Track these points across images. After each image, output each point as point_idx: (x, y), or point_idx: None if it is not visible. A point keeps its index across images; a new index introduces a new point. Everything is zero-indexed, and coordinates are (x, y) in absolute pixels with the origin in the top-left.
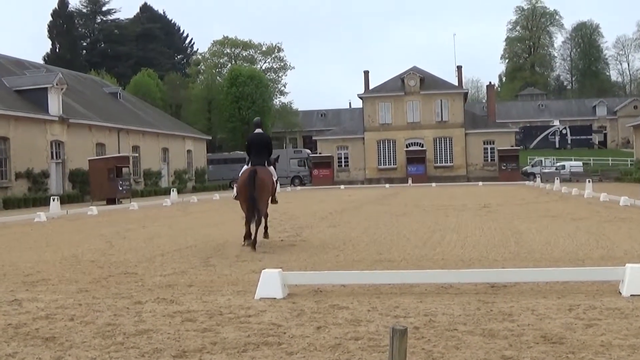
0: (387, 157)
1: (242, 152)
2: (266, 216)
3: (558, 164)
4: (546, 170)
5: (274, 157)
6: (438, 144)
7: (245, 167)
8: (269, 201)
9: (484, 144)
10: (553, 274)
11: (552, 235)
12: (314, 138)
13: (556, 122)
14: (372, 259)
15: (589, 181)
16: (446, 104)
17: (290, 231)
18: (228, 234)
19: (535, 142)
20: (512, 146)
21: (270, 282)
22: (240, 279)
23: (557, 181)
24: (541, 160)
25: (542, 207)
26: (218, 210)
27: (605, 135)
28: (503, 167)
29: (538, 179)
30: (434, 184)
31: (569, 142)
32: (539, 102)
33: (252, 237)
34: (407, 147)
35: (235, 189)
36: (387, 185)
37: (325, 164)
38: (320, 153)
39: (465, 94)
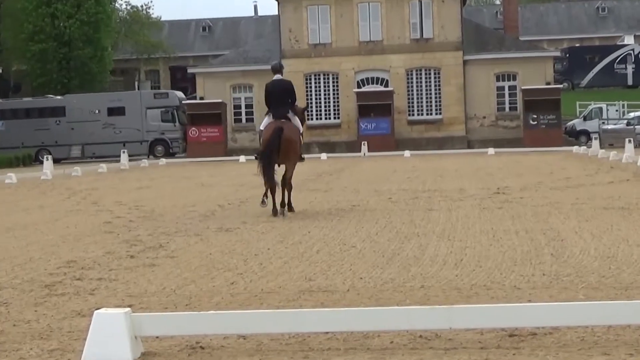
0: (323, 105)
1: (59, 97)
2: (290, 188)
3: (631, 115)
4: (609, 127)
5: (303, 107)
6: (415, 81)
7: (266, 119)
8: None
9: (498, 79)
10: (620, 313)
11: (618, 243)
12: (190, 71)
13: (628, 40)
14: (296, 287)
15: None
16: (429, 8)
17: (147, 240)
18: (34, 245)
19: (590, 75)
20: (548, 83)
21: (110, 332)
22: (55, 327)
23: (629, 145)
24: (600, 109)
25: (601, 193)
26: (16, 202)
27: None
28: (532, 122)
29: (595, 142)
30: (407, 153)
31: None
32: (597, 3)
33: (279, 203)
34: (359, 86)
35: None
36: (323, 156)
37: (211, 117)
38: (201, 98)
39: None
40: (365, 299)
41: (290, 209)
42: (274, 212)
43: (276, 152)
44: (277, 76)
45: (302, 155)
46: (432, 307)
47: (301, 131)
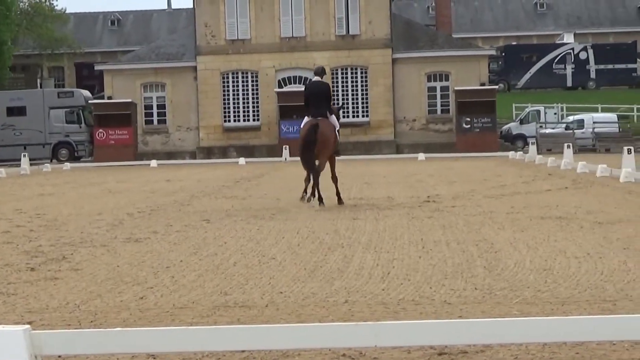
0: (241, 105)
1: None
2: (336, 180)
3: (571, 119)
4: (547, 131)
5: (337, 106)
6: (341, 81)
7: (305, 119)
8: (332, 156)
9: (430, 80)
10: (556, 330)
11: (555, 255)
12: (97, 67)
13: (568, 38)
14: (211, 302)
15: (628, 151)
16: (356, 2)
17: (49, 251)
18: None
19: (527, 75)
20: (482, 84)
21: (8, 352)
22: None
23: (568, 151)
24: (538, 111)
25: (538, 201)
26: None
27: None
28: (465, 126)
29: (532, 147)
30: None
31: (593, 75)
32: None
33: (316, 193)
34: (280, 86)
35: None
36: (241, 160)
37: (120, 118)
38: (109, 97)
39: None
40: (285, 315)
41: (340, 200)
42: (303, 196)
43: (313, 144)
44: (317, 78)
45: (339, 151)
46: (356, 323)
47: (337, 128)
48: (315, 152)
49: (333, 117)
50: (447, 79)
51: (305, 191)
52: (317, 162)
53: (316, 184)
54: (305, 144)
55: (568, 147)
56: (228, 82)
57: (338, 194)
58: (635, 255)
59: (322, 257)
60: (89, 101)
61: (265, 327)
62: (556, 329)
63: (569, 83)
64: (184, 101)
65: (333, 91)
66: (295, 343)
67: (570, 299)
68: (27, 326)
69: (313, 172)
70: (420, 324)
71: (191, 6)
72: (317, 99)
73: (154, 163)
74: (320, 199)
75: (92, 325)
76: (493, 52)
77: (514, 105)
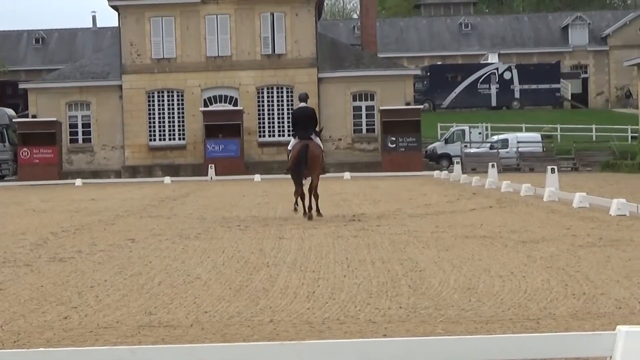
0: (167, 124)
1: None
2: (317, 197)
3: (495, 138)
4: (472, 150)
5: (319, 129)
6: (267, 100)
7: (293, 141)
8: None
9: (355, 99)
10: (480, 348)
11: (479, 274)
12: (21, 86)
13: (492, 58)
14: (135, 322)
15: (552, 170)
16: (282, 22)
17: None
18: None
19: (452, 95)
20: (407, 104)
21: None
22: None
23: (492, 170)
24: (463, 131)
25: (462, 220)
26: None
27: (585, 82)
28: (391, 145)
29: (456, 167)
30: (257, 177)
31: (517, 95)
32: (459, 19)
33: (307, 208)
34: (206, 105)
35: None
36: (167, 179)
37: (44, 137)
38: (34, 116)
39: (319, 4)
40: (210, 335)
41: (319, 214)
42: (304, 214)
43: (304, 165)
44: (303, 104)
45: (325, 168)
46: (281, 342)
47: (322, 149)
48: (306, 171)
49: (318, 139)
50: (372, 99)
51: (296, 204)
52: (310, 179)
53: (302, 198)
54: (298, 162)
55: (492, 166)
56: (153, 101)
57: (317, 208)
58: (558, 273)
59: (248, 277)
60: (13, 120)
61: (190, 346)
62: (480, 348)
63: (494, 103)
64: (109, 120)
65: (258, 110)
66: None
67: (494, 318)
68: None
69: (301, 190)
70: (345, 343)
71: (117, 25)
72: (304, 122)
73: (78, 182)
74: (310, 209)
75: (15, 346)
76: (418, 72)
77: (439, 124)
